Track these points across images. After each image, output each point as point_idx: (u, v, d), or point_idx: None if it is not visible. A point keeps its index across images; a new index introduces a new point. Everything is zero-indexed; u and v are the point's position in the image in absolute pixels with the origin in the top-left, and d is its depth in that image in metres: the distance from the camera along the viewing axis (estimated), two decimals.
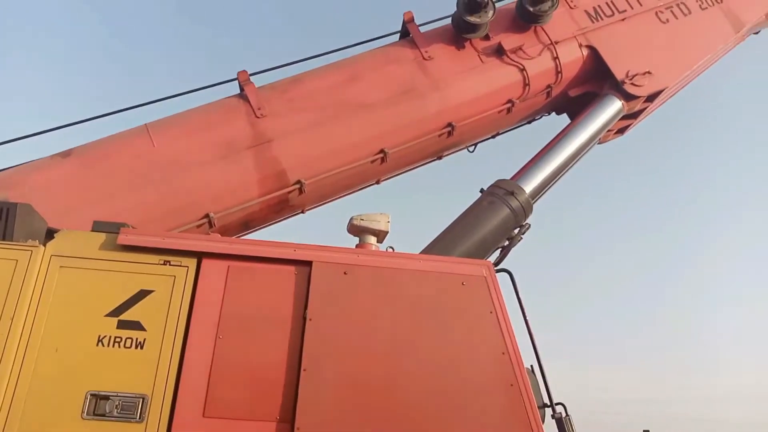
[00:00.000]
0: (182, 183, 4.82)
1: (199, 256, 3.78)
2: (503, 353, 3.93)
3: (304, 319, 3.68)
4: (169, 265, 3.78)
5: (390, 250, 4.32)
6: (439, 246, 5.10)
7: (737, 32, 6.67)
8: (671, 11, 6.50)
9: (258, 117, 5.19)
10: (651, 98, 6.24)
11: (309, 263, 3.85)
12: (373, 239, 4.39)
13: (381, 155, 5.39)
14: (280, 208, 5.33)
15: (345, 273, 3.86)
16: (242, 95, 5.38)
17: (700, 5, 6.62)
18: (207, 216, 4.81)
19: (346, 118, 5.30)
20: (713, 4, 6.67)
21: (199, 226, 4.82)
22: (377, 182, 5.99)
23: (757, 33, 7.61)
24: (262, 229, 5.55)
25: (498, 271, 4.43)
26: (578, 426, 4.21)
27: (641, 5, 6.43)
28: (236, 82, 5.46)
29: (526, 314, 4.27)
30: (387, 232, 4.43)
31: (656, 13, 6.46)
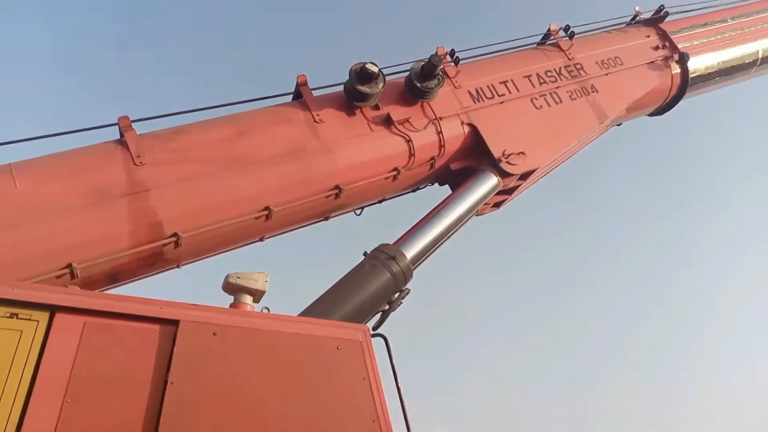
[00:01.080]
0: (44, 228, 4.47)
1: (52, 309, 3.47)
2: (373, 421, 3.89)
3: (165, 382, 3.46)
4: (17, 318, 3.44)
5: (265, 310, 4.21)
6: (319, 308, 5.06)
7: (601, 123, 7.38)
8: (545, 99, 7.11)
9: (137, 165, 4.98)
10: (524, 176, 6.69)
11: (176, 322, 3.65)
12: (248, 299, 4.27)
13: (265, 212, 5.33)
14: (153, 262, 5.07)
15: (214, 334, 3.70)
16: (122, 141, 5.17)
17: (570, 96, 7.29)
18: (69, 266, 4.47)
19: (231, 173, 5.23)
20: (581, 96, 7.37)
21: (59, 277, 4.46)
22: (261, 240, 5.89)
23: (619, 125, 8.48)
24: (130, 284, 5.24)
25: (374, 335, 4.45)
26: None
27: (518, 91, 6.98)
28: (116, 127, 5.25)
29: (399, 381, 4.29)
30: (264, 292, 4.33)
31: (532, 100, 7.03)
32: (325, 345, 4.01)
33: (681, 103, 8.61)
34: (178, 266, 5.45)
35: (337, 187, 5.69)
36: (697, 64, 8.34)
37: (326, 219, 6.26)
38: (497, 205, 7.17)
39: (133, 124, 5.24)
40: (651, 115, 8.73)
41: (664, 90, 8.17)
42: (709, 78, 8.62)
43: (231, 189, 5.17)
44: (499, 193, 6.73)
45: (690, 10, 8.81)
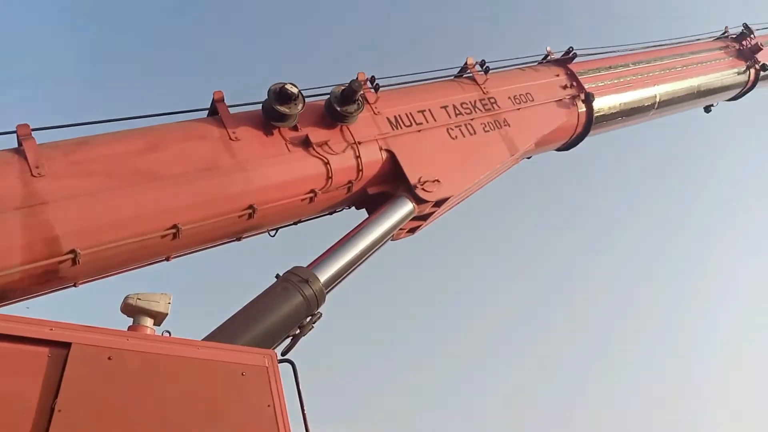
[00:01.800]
0: None
1: None
2: None
3: (52, 410, 3.23)
4: None
5: (166, 334, 4.04)
6: (225, 333, 4.89)
7: (512, 155, 7.68)
8: (460, 129, 7.32)
9: (34, 176, 4.67)
10: (438, 204, 6.84)
11: (67, 345, 3.43)
12: (149, 321, 4.09)
13: (173, 231, 5.12)
14: (47, 279, 4.74)
15: (109, 358, 3.50)
16: (20, 150, 4.84)
17: (483, 128, 7.55)
18: None
19: (138, 188, 5.01)
20: (494, 129, 7.65)
21: None
22: (167, 259, 5.65)
23: (529, 158, 8.86)
24: (20, 302, 4.87)
25: (281, 361, 4.36)
26: None
27: (435, 121, 7.16)
28: (15, 135, 4.92)
29: (305, 408, 4.22)
30: (166, 314, 4.16)
31: (448, 130, 7.23)
32: (228, 371, 3.89)
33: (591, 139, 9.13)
34: (75, 285, 5.13)
35: (251, 206, 5.57)
36: (602, 104, 8.88)
37: (239, 239, 6.11)
38: (412, 230, 7.27)
39: (35, 133, 4.94)
40: (558, 150, 9.18)
41: (570, 127, 8.63)
42: (612, 118, 9.20)
43: (136, 205, 4.95)
44: (414, 219, 6.83)
45: (596, 53, 9.39)
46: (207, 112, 6.09)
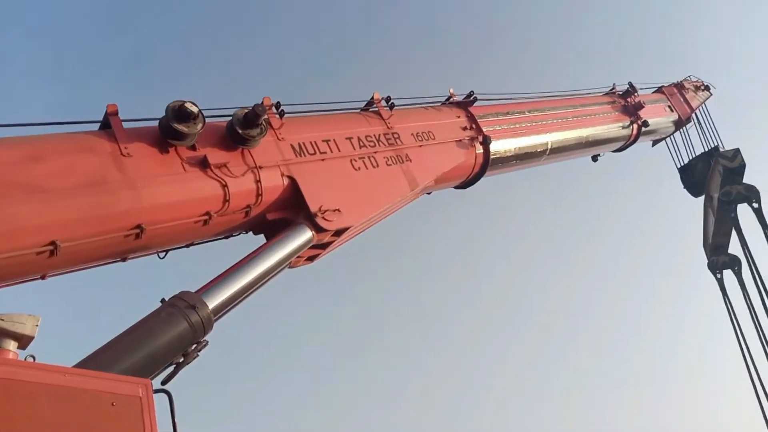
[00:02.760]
0: None
1: None
2: None
3: None
4: None
5: (30, 359, 3.73)
6: (100, 359, 4.58)
7: (412, 190, 7.87)
8: (363, 161, 7.43)
9: None
10: (338, 233, 6.85)
11: None
12: (12, 345, 3.77)
13: (50, 247, 4.78)
14: None
15: None
16: None
17: (386, 162, 7.70)
18: None
19: (13, 200, 4.64)
20: (396, 163, 7.83)
21: None
22: (42, 277, 5.26)
23: (429, 193, 9.11)
24: None
25: (157, 391, 4.15)
26: None
27: (339, 151, 7.22)
28: None
29: None
30: (32, 337, 3.86)
31: (351, 161, 7.31)
32: (97, 401, 3.65)
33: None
34: None
35: (138, 226, 5.32)
36: (498, 147, 9.33)
37: (124, 260, 5.80)
38: (311, 258, 7.21)
39: None
40: (456, 188, 9.51)
41: (468, 166, 8.99)
42: (507, 161, 9.68)
43: (9, 218, 4.58)
44: (314, 247, 6.79)
45: (495, 99, 9.90)
46: (99, 125, 5.80)
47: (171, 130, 5.75)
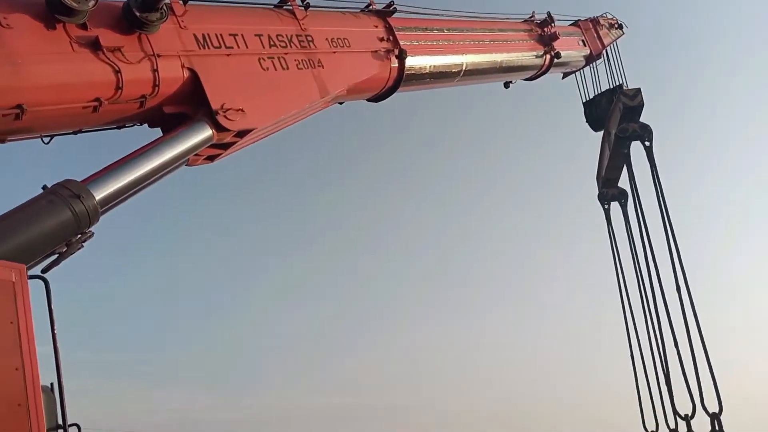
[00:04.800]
0: None
1: None
2: (17, 369, 3.53)
3: None
4: None
5: None
6: None
7: (322, 97, 7.72)
8: (272, 62, 7.15)
9: None
10: (241, 134, 6.67)
11: None
12: None
13: None
14: None
15: None
16: None
17: (296, 65, 7.45)
18: None
19: None
20: (307, 68, 7.59)
21: None
22: None
23: (341, 103, 8.97)
24: None
25: (33, 277, 4.01)
26: None
27: (247, 47, 6.89)
28: None
29: (55, 328, 3.94)
30: None
31: (259, 59, 7.01)
32: None
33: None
34: None
35: (18, 106, 4.93)
36: (413, 62, 9.22)
37: (2, 141, 5.40)
38: (211, 158, 7.01)
39: None
40: (369, 100, 9.42)
41: (382, 80, 8.88)
42: (421, 78, 9.63)
43: None
44: (214, 146, 6.59)
45: (415, 12, 9.70)
46: None
47: (58, 4, 5.24)
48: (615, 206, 13.71)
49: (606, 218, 13.92)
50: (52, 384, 3.85)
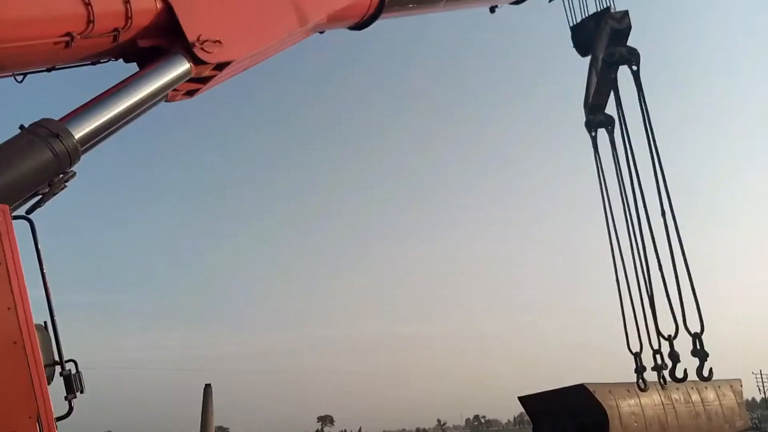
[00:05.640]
0: None
1: None
2: (9, 308, 3.56)
3: None
4: None
5: None
6: None
7: (302, 26, 7.47)
8: None
9: None
10: (220, 67, 6.48)
11: None
12: None
13: None
14: None
15: None
16: None
17: None
18: None
19: None
20: None
21: None
22: None
23: (321, 32, 8.70)
24: None
25: (17, 218, 3.97)
26: (110, 382, 4.09)
27: None
28: None
29: (44, 268, 3.94)
30: None
31: None
32: None
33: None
34: None
35: None
36: None
37: None
38: (190, 93, 6.84)
39: None
40: (350, 29, 9.14)
41: (363, 6, 8.57)
42: (403, 3, 9.33)
43: None
44: (192, 80, 6.42)
45: None
46: None
47: None
48: (602, 133, 13.73)
49: (593, 145, 13.93)
50: (45, 322, 3.89)
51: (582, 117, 14.05)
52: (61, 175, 4.99)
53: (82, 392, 3.92)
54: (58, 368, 3.87)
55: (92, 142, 5.36)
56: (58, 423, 3.67)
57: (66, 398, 3.85)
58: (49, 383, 3.73)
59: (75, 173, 5.12)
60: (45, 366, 3.68)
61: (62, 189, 5.09)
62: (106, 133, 5.49)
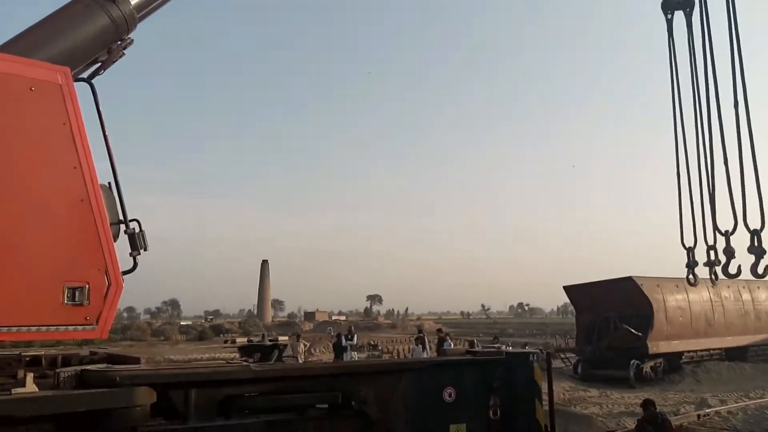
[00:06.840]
0: None
1: None
2: (75, 168, 3.73)
3: None
4: None
5: None
6: (17, 46, 4.36)
7: None
8: None
9: None
10: None
11: None
12: None
13: None
14: None
15: None
16: None
17: None
18: None
19: None
20: None
21: None
22: None
23: None
24: None
25: (79, 80, 4.06)
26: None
27: None
28: None
29: (106, 130, 4.07)
30: None
31: None
32: (15, 85, 3.57)
33: None
34: None
35: None
36: None
37: None
38: None
39: None
40: None
41: None
42: None
43: None
44: None
45: None
46: None
47: None
48: (678, 16, 12.68)
49: (668, 30, 12.94)
50: (109, 183, 4.07)
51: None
52: (119, 42, 5.01)
53: (145, 250, 4.17)
54: (122, 227, 4.10)
55: (148, 8, 5.31)
56: (124, 276, 3.95)
57: (130, 254, 4.11)
58: (114, 240, 3.97)
59: (132, 41, 5.13)
60: (110, 224, 3.89)
61: (120, 57, 5.13)
62: (163, 1, 5.42)
